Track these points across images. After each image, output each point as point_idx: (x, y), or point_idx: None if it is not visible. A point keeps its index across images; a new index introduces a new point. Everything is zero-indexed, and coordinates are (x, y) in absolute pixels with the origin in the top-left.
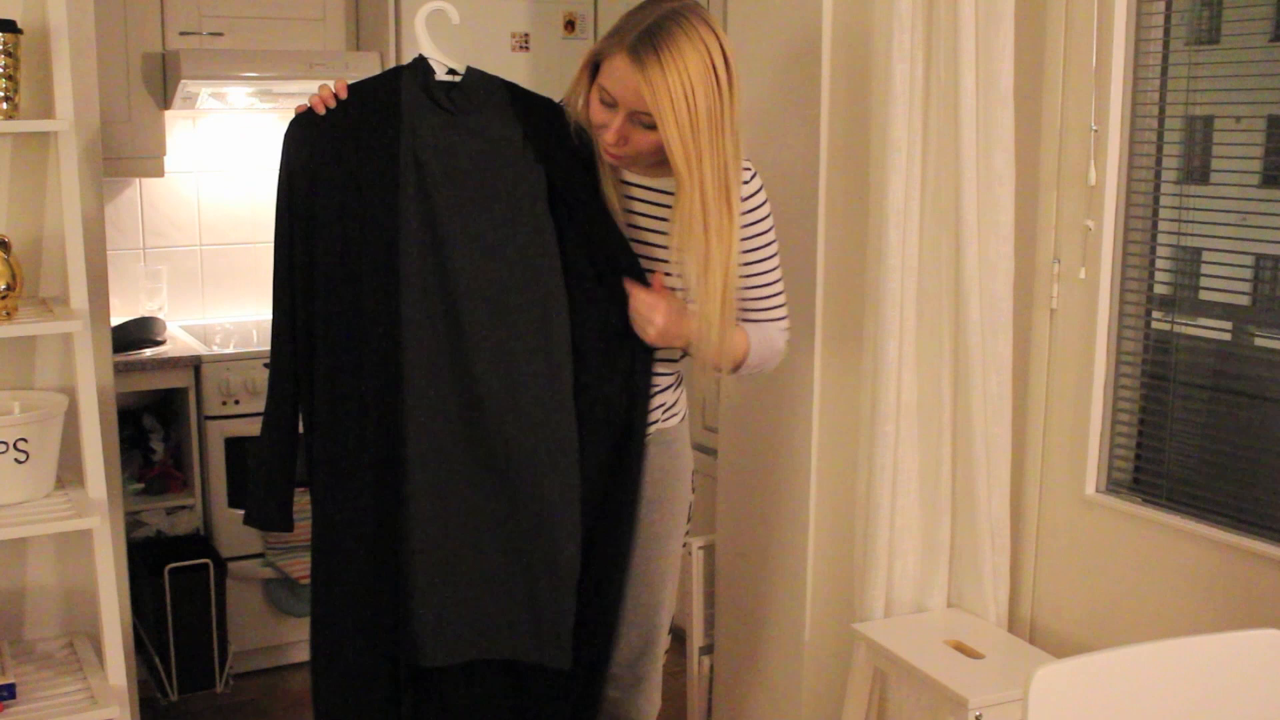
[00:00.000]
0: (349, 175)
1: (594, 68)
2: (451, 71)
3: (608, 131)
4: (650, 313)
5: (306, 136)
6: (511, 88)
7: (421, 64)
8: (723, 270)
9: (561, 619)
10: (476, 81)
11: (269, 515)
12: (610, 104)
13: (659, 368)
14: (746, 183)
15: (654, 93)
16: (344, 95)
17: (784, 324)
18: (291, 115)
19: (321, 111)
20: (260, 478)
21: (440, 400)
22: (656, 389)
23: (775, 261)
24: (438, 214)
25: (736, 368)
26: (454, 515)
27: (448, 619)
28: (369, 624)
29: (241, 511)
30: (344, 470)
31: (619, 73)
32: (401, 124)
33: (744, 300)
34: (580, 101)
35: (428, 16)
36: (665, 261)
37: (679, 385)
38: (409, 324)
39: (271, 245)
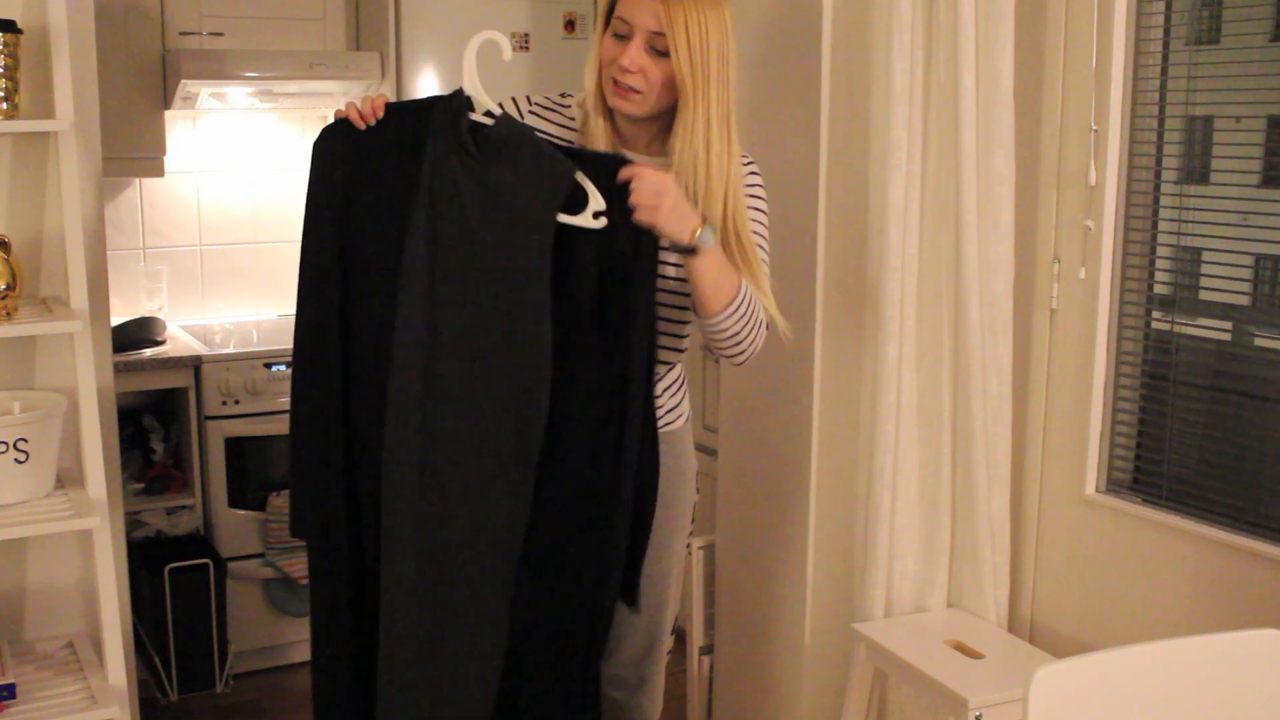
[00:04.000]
0: (367, 199)
1: (607, 15)
2: (488, 114)
3: (623, 58)
4: (658, 187)
5: (338, 148)
6: (536, 145)
7: (456, 100)
8: (722, 196)
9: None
10: (504, 131)
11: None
12: (624, 35)
13: (667, 356)
14: (749, 163)
15: (669, 12)
16: (381, 115)
17: (767, 303)
18: (291, 114)
19: (362, 126)
20: (302, 485)
21: (407, 446)
22: (659, 392)
23: (764, 255)
24: (440, 265)
25: (723, 309)
26: (411, 570)
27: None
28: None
29: (243, 511)
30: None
31: None
32: (424, 160)
33: None
34: (589, 59)
35: (479, 47)
36: (669, 250)
37: (682, 387)
38: (397, 369)
39: (270, 245)
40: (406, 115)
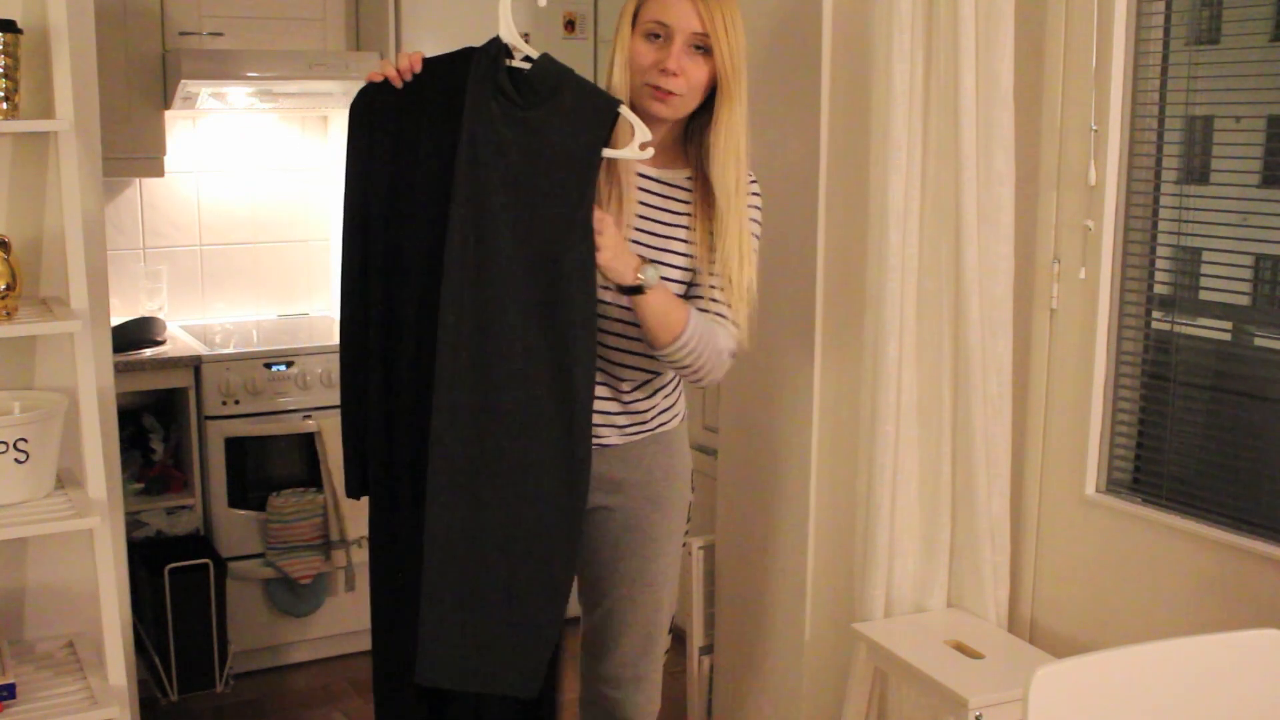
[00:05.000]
0: (405, 159)
1: (633, 18)
2: (527, 59)
3: (668, 59)
4: (599, 227)
5: (376, 111)
6: (578, 84)
7: (494, 47)
8: (738, 196)
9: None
10: (543, 72)
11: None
12: (658, 37)
13: (653, 365)
14: (751, 180)
15: (709, 11)
16: (418, 69)
17: (733, 332)
18: (291, 114)
19: (399, 84)
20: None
21: (457, 404)
22: (653, 392)
23: (752, 265)
24: (485, 212)
25: (672, 341)
26: (460, 525)
27: (443, 636)
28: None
29: (243, 511)
30: (386, 470)
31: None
32: (464, 111)
33: (706, 286)
34: (617, 62)
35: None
36: (675, 254)
37: (677, 387)
38: (445, 326)
39: (270, 245)
40: (444, 69)
